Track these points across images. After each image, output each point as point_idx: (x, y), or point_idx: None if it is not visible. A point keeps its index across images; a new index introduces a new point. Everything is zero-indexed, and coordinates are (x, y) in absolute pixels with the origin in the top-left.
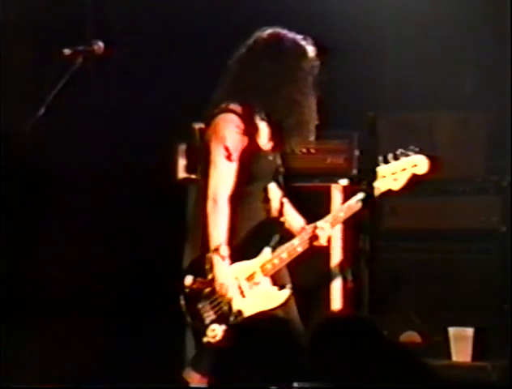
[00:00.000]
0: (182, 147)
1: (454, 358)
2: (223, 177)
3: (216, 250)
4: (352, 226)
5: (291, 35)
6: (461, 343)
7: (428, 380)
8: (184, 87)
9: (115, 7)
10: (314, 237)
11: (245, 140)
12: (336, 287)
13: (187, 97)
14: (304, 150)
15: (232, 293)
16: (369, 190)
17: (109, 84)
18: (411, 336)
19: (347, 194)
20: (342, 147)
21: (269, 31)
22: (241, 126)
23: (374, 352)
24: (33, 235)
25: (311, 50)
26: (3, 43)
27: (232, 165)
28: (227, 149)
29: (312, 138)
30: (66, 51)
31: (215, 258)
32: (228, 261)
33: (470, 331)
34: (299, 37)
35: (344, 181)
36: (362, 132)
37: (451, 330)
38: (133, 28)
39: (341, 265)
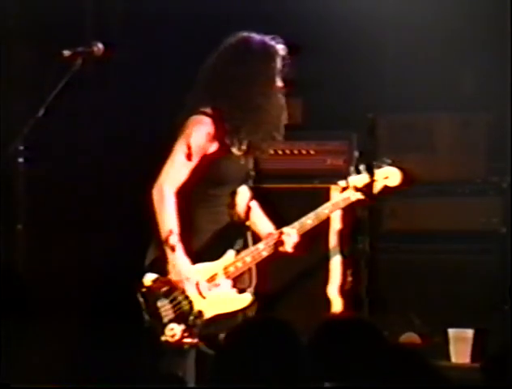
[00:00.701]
0: None
1: (454, 360)
2: (175, 171)
3: (166, 240)
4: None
5: (258, 37)
6: (460, 344)
7: (431, 382)
8: (184, 89)
9: (115, 8)
10: (280, 243)
11: (215, 144)
12: (334, 288)
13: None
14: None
15: (187, 287)
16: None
17: (109, 86)
18: (410, 337)
19: None
20: (341, 148)
21: (238, 35)
22: (212, 129)
23: (375, 356)
24: (33, 235)
25: (281, 49)
26: (3, 43)
27: (188, 164)
28: (189, 147)
29: (280, 138)
30: (66, 52)
31: (166, 250)
32: (180, 249)
33: (469, 332)
34: (267, 38)
35: (344, 183)
36: (362, 133)
37: (451, 331)
38: (133, 29)
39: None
